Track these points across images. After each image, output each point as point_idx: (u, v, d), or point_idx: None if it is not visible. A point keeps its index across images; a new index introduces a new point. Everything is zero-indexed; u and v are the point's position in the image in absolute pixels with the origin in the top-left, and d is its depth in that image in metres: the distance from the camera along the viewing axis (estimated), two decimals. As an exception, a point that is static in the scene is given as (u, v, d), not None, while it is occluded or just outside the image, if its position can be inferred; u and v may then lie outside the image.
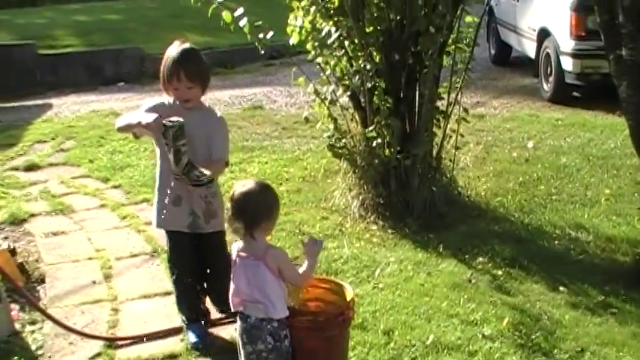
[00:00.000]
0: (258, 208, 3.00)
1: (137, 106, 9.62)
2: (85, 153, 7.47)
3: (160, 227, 3.77)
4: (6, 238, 5.12)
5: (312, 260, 3.11)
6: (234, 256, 3.08)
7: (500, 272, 4.42)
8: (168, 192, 3.58)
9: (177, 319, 3.99)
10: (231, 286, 3.07)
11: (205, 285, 3.87)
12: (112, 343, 3.80)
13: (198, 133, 3.48)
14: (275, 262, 2.99)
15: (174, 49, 3.51)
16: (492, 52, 11.70)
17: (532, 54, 9.67)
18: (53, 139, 8.20)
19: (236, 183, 3.15)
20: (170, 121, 3.28)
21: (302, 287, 3.20)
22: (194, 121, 3.45)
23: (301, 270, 3.10)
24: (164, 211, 3.64)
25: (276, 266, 2.99)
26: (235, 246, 3.10)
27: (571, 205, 5.51)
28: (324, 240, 3.36)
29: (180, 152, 3.29)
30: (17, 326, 3.99)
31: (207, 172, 3.37)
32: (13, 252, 4.74)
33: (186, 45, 3.54)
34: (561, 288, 4.23)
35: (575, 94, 8.90)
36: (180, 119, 3.30)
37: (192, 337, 3.75)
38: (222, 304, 3.69)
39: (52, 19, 15.95)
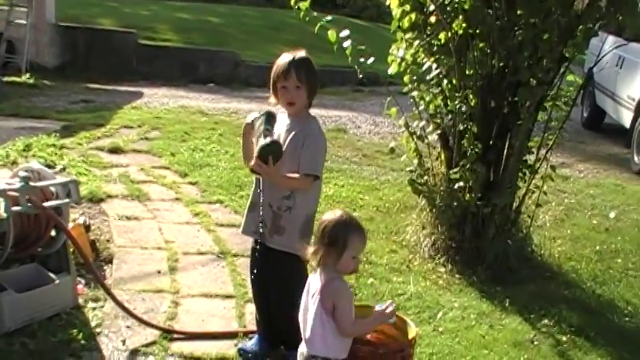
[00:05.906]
0: (332, 231, 2.86)
1: (224, 108, 10.00)
2: (168, 145, 7.63)
3: (242, 232, 3.74)
4: (82, 213, 5.24)
5: (373, 323, 3.02)
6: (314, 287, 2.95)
7: (564, 338, 4.27)
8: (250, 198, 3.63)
9: (234, 323, 4.01)
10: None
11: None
12: (167, 334, 3.84)
13: (292, 141, 3.44)
14: (331, 297, 2.82)
15: (289, 54, 3.50)
16: (584, 114, 11.44)
17: (627, 123, 9.42)
18: (140, 126, 8.42)
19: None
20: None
21: (346, 336, 2.90)
22: (291, 128, 3.45)
23: (357, 320, 2.91)
24: (244, 217, 3.67)
25: (331, 302, 2.81)
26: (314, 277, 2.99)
27: (647, 284, 5.31)
28: (394, 318, 3.07)
29: (265, 133, 3.30)
30: (80, 300, 4.08)
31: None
32: (87, 228, 4.87)
33: (302, 52, 3.54)
34: (627, 367, 4.07)
35: (667, 171, 8.63)
36: (272, 109, 3.42)
37: (245, 344, 3.77)
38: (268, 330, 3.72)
39: (155, 12, 16.42)
